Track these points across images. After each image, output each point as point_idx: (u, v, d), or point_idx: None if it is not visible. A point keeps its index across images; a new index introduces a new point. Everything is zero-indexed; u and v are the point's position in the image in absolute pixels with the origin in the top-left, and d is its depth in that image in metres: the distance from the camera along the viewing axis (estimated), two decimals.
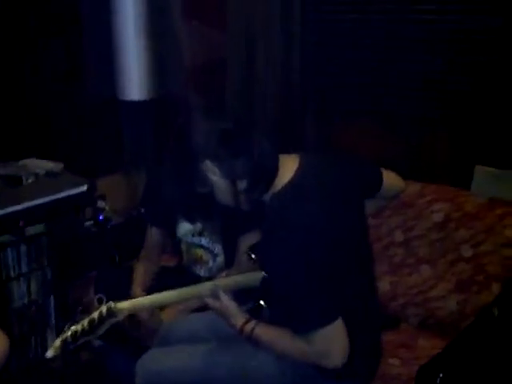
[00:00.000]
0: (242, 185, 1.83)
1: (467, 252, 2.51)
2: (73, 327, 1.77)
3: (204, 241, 2.65)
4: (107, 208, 3.33)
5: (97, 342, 2.87)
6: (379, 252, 2.61)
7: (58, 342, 1.75)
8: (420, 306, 2.57)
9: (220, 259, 2.64)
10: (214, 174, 1.82)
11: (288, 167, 1.85)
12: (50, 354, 1.76)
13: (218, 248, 2.64)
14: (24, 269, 2.88)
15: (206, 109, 1.92)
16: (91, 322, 1.79)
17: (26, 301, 2.92)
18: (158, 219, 2.73)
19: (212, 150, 1.80)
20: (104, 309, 1.82)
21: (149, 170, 3.22)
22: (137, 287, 2.61)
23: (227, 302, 1.92)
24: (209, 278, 2.61)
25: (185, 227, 2.69)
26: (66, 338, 1.76)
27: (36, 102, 3.15)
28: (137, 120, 3.39)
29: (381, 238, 2.65)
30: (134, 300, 1.89)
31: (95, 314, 1.81)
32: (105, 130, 3.41)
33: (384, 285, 2.61)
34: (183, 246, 2.74)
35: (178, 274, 2.76)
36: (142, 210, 2.95)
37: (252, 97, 3.10)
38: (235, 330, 1.90)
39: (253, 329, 1.88)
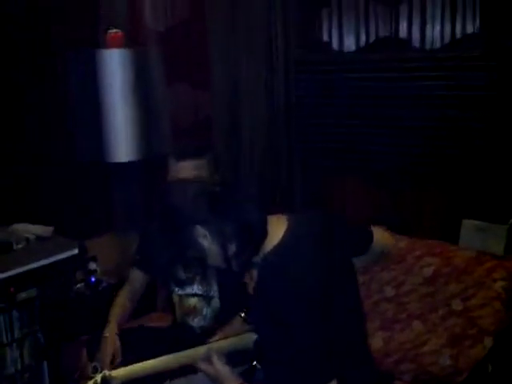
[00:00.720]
0: (232, 248, 1.85)
1: (458, 306, 2.52)
2: None
3: (196, 288, 2.65)
4: (98, 270, 3.35)
5: None
6: (370, 308, 2.61)
7: None
8: (413, 362, 2.56)
9: (215, 303, 2.64)
10: (205, 239, 1.84)
11: (277, 229, 1.87)
12: None
13: (213, 290, 2.64)
14: (16, 334, 2.87)
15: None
16: None
17: (19, 366, 2.90)
18: (147, 265, 2.76)
19: (201, 215, 1.82)
20: (99, 378, 1.82)
21: (141, 226, 3.22)
22: (113, 327, 2.61)
23: (220, 367, 1.92)
24: (203, 329, 2.65)
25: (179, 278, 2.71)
26: None
27: (24, 165, 3.17)
28: (125, 181, 3.42)
29: (371, 295, 2.66)
30: (127, 368, 1.89)
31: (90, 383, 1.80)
32: (94, 192, 3.44)
33: (377, 341, 2.60)
34: (175, 298, 2.74)
35: (171, 335, 2.76)
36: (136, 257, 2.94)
37: (238, 156, 3.14)
38: None
39: None
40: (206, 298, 2.65)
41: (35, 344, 2.95)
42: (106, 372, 1.83)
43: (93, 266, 3.35)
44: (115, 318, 2.69)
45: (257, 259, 1.87)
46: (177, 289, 2.69)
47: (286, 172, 3.13)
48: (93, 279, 3.29)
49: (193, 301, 2.66)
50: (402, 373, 2.58)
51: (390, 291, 2.67)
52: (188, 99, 3.41)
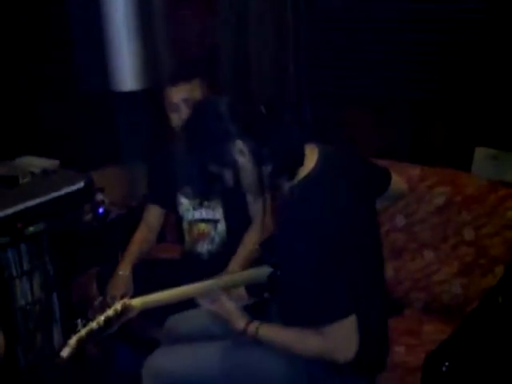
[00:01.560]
0: (267, 169, 1.82)
1: (470, 235, 2.51)
2: (88, 326, 1.76)
3: (205, 212, 2.68)
4: (106, 201, 3.33)
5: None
6: (382, 237, 2.59)
7: (73, 341, 1.74)
8: (424, 291, 2.57)
9: (221, 226, 2.69)
10: (243, 156, 1.80)
11: (309, 158, 1.84)
12: (65, 352, 1.74)
13: (218, 213, 2.68)
14: (26, 267, 2.87)
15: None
16: (106, 319, 1.79)
17: (29, 299, 2.92)
18: (159, 197, 2.80)
19: (244, 131, 1.78)
20: (119, 306, 1.83)
21: (149, 157, 3.19)
22: (128, 266, 2.65)
23: (227, 304, 1.92)
24: (211, 254, 2.71)
25: (185, 203, 2.74)
26: (82, 336, 1.75)
27: (27, 97, 3.11)
28: (130, 110, 3.35)
29: (382, 224, 2.61)
30: (146, 297, 1.90)
31: (110, 312, 1.81)
32: (99, 123, 3.38)
33: (387, 270, 2.58)
34: (185, 226, 2.77)
35: (181, 266, 2.78)
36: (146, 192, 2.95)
37: (246, 85, 3.06)
38: (237, 332, 1.90)
39: (257, 329, 1.87)
40: (213, 222, 2.67)
41: (45, 276, 2.95)
42: (126, 301, 1.84)
43: (100, 197, 3.32)
44: (131, 256, 2.72)
45: (288, 185, 1.84)
46: (185, 216, 2.72)
47: (294, 102, 3.05)
48: (100, 210, 3.27)
49: (202, 226, 2.70)
50: (413, 301, 2.59)
51: (401, 220, 2.66)
52: (194, 26, 3.31)
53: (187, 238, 2.79)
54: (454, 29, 2.67)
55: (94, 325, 1.77)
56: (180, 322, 2.23)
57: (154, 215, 2.87)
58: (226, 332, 1.99)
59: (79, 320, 1.78)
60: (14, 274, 2.84)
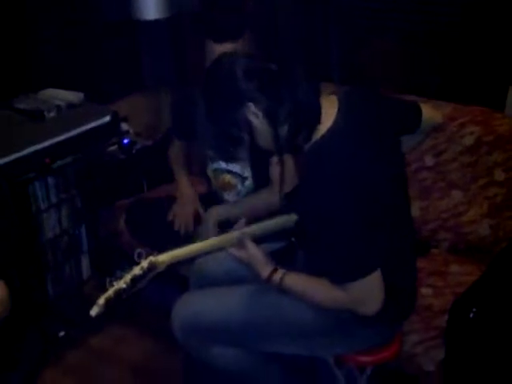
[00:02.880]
0: (284, 130, 1.77)
1: (500, 176, 2.48)
2: (115, 285, 1.78)
3: (231, 165, 2.62)
4: (131, 131, 3.30)
5: None
6: (409, 177, 2.55)
7: (102, 300, 1.76)
8: (451, 231, 2.56)
9: (249, 183, 2.62)
10: (256, 118, 1.76)
11: (328, 112, 1.78)
12: (94, 311, 1.77)
13: (246, 171, 2.61)
14: (53, 200, 2.89)
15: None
16: (133, 278, 1.79)
17: (57, 231, 2.95)
18: (185, 134, 2.72)
19: (255, 92, 1.72)
20: (145, 264, 1.82)
21: (174, 90, 3.14)
22: (186, 183, 2.75)
23: (253, 251, 1.90)
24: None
25: (211, 153, 2.66)
26: (110, 296, 1.77)
27: (49, 27, 3.05)
28: (153, 39, 3.29)
29: (410, 163, 2.60)
30: (172, 252, 1.88)
31: (137, 270, 1.80)
32: (122, 52, 3.32)
33: (414, 210, 2.55)
34: (210, 173, 2.72)
35: (209, 202, 2.78)
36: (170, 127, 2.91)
37: (274, 16, 2.98)
38: (262, 279, 1.90)
39: (281, 278, 1.87)
40: (240, 176, 2.62)
41: (72, 209, 2.97)
42: (152, 257, 1.83)
43: (125, 127, 3.27)
44: (182, 172, 2.79)
45: (308, 145, 1.79)
46: (211, 163, 2.66)
47: (321, 34, 2.97)
48: (125, 141, 3.23)
49: (227, 177, 2.64)
50: (439, 241, 2.59)
51: (429, 160, 2.62)
52: None
53: (213, 182, 2.73)
54: None
55: (121, 283, 1.77)
56: (209, 263, 2.23)
57: (178, 146, 2.84)
58: (255, 276, 1.99)
59: (107, 278, 1.79)
60: (42, 207, 2.86)
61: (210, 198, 2.75)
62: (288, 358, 2.07)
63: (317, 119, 1.76)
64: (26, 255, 2.77)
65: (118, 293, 1.78)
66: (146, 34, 3.30)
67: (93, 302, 2.89)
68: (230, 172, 2.64)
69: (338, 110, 1.79)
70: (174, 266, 2.42)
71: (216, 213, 2.51)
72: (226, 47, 2.26)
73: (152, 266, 1.83)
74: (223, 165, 2.64)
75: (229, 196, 2.69)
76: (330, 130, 1.76)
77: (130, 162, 3.22)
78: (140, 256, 1.85)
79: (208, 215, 2.54)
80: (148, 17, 3.11)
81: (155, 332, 2.84)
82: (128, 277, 1.80)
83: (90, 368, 2.73)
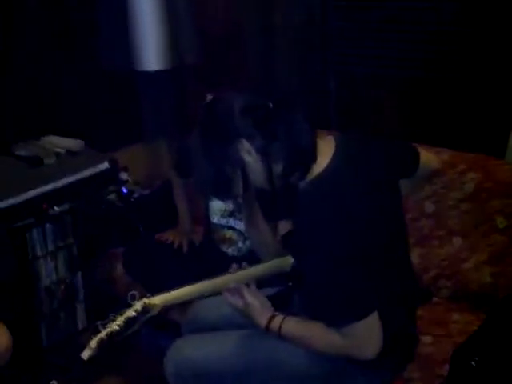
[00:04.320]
0: (278, 168, 1.75)
1: (501, 223, 2.45)
2: (108, 327, 1.74)
3: (233, 222, 2.61)
4: (130, 180, 3.30)
5: None
6: (408, 224, 2.53)
7: (94, 343, 1.73)
8: (451, 279, 2.52)
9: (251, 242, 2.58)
10: (249, 155, 1.74)
11: (324, 151, 1.77)
12: (86, 354, 1.74)
13: None
14: (50, 247, 2.87)
15: (234, 81, 1.81)
16: (126, 320, 1.77)
17: (54, 278, 2.92)
18: (184, 172, 2.76)
19: (249, 129, 1.71)
20: (139, 306, 1.79)
21: (175, 137, 3.16)
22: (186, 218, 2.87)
23: (250, 299, 1.87)
24: (236, 257, 2.61)
25: (216, 204, 2.67)
26: (102, 338, 1.74)
27: (49, 76, 3.08)
28: (154, 90, 3.31)
29: (409, 210, 2.57)
30: (165, 295, 1.86)
31: (130, 312, 1.78)
32: (122, 103, 3.34)
33: (414, 257, 2.52)
34: (212, 225, 2.70)
35: (204, 251, 2.76)
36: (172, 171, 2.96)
37: (272, 65, 3.00)
38: (260, 327, 1.86)
39: (279, 326, 1.84)
40: (242, 235, 2.59)
41: (69, 256, 2.95)
42: (146, 300, 1.81)
43: (124, 176, 3.28)
44: (183, 207, 2.90)
45: (302, 184, 1.78)
46: (212, 217, 2.66)
47: (319, 81, 2.99)
48: (124, 190, 3.23)
49: (228, 233, 2.64)
50: (440, 289, 2.55)
51: (429, 207, 2.60)
52: (218, 4, 3.25)
53: (213, 234, 2.72)
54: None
55: (114, 326, 1.75)
56: (204, 308, 2.20)
57: (180, 184, 2.90)
58: (252, 323, 1.95)
59: (99, 322, 1.77)
60: (39, 253, 2.84)
61: (205, 248, 2.73)
62: None
63: (312, 158, 1.75)
64: (22, 302, 2.74)
65: (111, 335, 1.75)
66: (146, 85, 3.33)
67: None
68: (231, 228, 2.63)
69: (335, 150, 1.78)
70: (168, 310, 2.42)
71: None
72: None
73: (145, 309, 1.80)
74: (224, 221, 2.63)
75: (228, 250, 2.67)
76: (326, 170, 1.75)
77: (128, 210, 3.21)
78: (133, 298, 1.82)
79: None
80: (149, 68, 3.14)
81: (149, 380, 2.77)
82: (121, 319, 1.77)
83: None
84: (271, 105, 1.72)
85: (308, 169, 1.75)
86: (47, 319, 2.94)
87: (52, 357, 2.92)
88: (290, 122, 1.73)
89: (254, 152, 1.73)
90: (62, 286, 2.96)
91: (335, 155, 1.77)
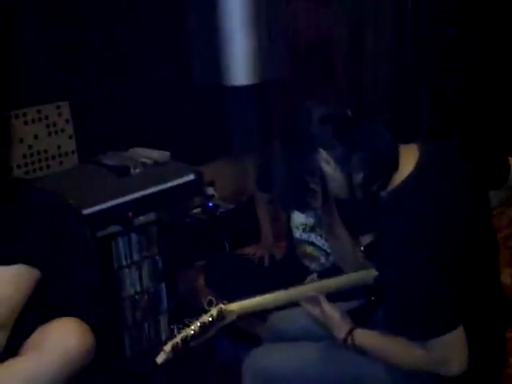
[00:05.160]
0: (358, 178, 1.71)
1: None
2: (183, 332, 1.74)
3: (314, 238, 2.58)
4: (216, 195, 3.33)
5: None
6: (500, 243, 2.43)
7: (168, 347, 1.73)
8: None
9: (333, 258, 2.52)
10: (328, 165, 1.70)
11: (407, 160, 1.71)
12: (160, 359, 1.75)
13: None
14: (135, 257, 2.91)
15: (320, 93, 1.80)
16: (202, 325, 1.76)
17: (138, 288, 2.96)
18: (266, 186, 2.70)
19: (327, 138, 1.67)
20: (215, 312, 1.78)
21: (259, 151, 3.17)
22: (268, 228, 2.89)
23: (329, 310, 1.82)
24: (319, 271, 2.56)
25: (298, 219, 2.64)
26: (177, 342, 1.73)
27: (142, 89, 3.14)
28: (241, 105, 3.33)
29: (501, 229, 2.48)
30: (242, 302, 1.84)
31: (206, 318, 1.77)
32: (210, 117, 3.38)
33: (504, 277, 2.43)
34: (294, 240, 2.68)
35: (286, 265, 2.73)
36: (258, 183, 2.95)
37: (361, 80, 2.96)
38: (338, 340, 1.81)
39: (358, 339, 1.78)
40: (324, 251, 2.56)
41: (153, 267, 2.98)
42: (222, 306, 1.79)
43: (210, 191, 3.35)
44: (264, 220, 2.91)
45: (384, 193, 1.73)
46: (294, 232, 2.64)
47: (412, 97, 2.92)
48: (210, 204, 3.28)
49: (310, 248, 2.61)
50: None
51: None
52: (308, 19, 3.24)
53: (296, 250, 2.69)
54: None
55: (189, 331, 1.74)
56: (282, 319, 2.16)
57: (263, 199, 2.89)
58: (330, 335, 1.90)
59: (175, 326, 1.76)
60: (124, 263, 2.89)
61: (287, 263, 2.70)
62: None
63: (394, 167, 1.70)
64: (106, 311, 2.78)
65: (186, 340, 1.74)
66: (234, 100, 3.35)
67: (170, 365, 2.88)
68: (312, 244, 2.60)
69: (418, 159, 1.72)
70: (246, 318, 2.39)
71: None
72: None
73: (221, 315, 1.79)
74: (305, 236, 2.61)
75: (311, 265, 2.63)
76: (408, 179, 1.69)
77: (213, 224, 3.23)
78: (210, 304, 1.81)
79: None
80: (237, 83, 3.16)
81: None
82: (196, 324, 1.76)
83: None
84: (350, 113, 1.69)
85: (389, 178, 1.70)
86: (131, 329, 2.98)
87: (134, 366, 2.94)
88: (371, 131, 1.69)
89: (332, 161, 1.70)
90: (146, 296, 2.99)
91: (418, 164, 1.71)
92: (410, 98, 2.94)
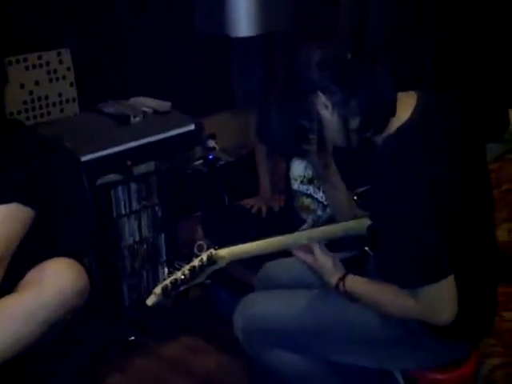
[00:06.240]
0: (355, 123, 1.70)
1: None
2: (173, 275, 1.75)
3: (312, 190, 2.57)
4: (217, 147, 3.33)
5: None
6: (498, 198, 2.42)
7: (158, 290, 1.74)
8: None
9: (331, 211, 2.53)
10: (326, 109, 1.70)
11: (405, 107, 1.70)
12: (150, 301, 1.75)
13: None
14: (135, 207, 2.92)
15: (320, 38, 1.78)
16: (191, 269, 1.76)
17: (137, 238, 2.98)
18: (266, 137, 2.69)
19: (326, 82, 1.66)
20: (205, 256, 1.78)
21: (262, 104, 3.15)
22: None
23: (321, 257, 1.82)
24: (316, 224, 2.56)
25: (297, 170, 2.63)
26: (167, 285, 1.74)
27: (145, 39, 3.12)
28: (245, 56, 3.31)
29: (501, 184, 2.47)
30: (233, 248, 1.83)
31: (196, 262, 1.77)
32: (212, 68, 3.36)
33: (502, 233, 2.44)
34: (292, 192, 2.69)
35: (283, 217, 2.73)
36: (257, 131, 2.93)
37: (365, 25, 2.91)
38: (330, 286, 1.82)
39: (350, 286, 1.79)
40: (322, 204, 2.55)
41: (153, 217, 2.99)
42: (212, 251, 1.79)
43: (211, 143, 3.34)
44: (264, 174, 2.92)
45: (378, 139, 1.73)
46: (293, 183, 2.63)
47: (415, 46, 2.88)
48: (211, 156, 3.27)
49: (307, 201, 2.60)
50: None
51: None
52: None
53: (294, 202, 2.69)
54: None
55: (178, 274, 1.75)
56: (275, 269, 2.18)
57: (262, 152, 2.90)
58: (322, 282, 1.91)
59: (165, 269, 1.77)
60: (123, 212, 2.90)
61: (284, 215, 2.71)
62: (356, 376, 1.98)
63: (391, 112, 1.69)
64: (105, 259, 2.80)
65: (175, 283, 1.75)
66: (237, 51, 3.33)
67: (167, 313, 2.91)
68: (310, 196, 2.60)
69: (416, 105, 1.71)
70: (241, 269, 2.40)
71: None
72: None
73: (211, 260, 1.78)
74: (303, 188, 2.60)
75: (307, 217, 2.62)
76: (405, 125, 1.68)
77: (213, 176, 3.23)
78: (200, 249, 1.81)
79: None
80: (241, 34, 3.13)
81: (225, 344, 2.79)
82: (186, 267, 1.77)
83: (158, 375, 2.70)
84: (349, 56, 1.67)
85: (386, 124, 1.70)
86: (129, 278, 3.00)
87: (132, 314, 2.97)
88: (369, 75, 1.67)
89: (330, 105, 1.69)
90: (145, 246, 3.01)
91: (415, 111, 1.70)
92: (414, 47, 2.89)
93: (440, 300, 1.66)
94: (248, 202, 2.87)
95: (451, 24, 2.91)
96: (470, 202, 1.75)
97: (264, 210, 2.81)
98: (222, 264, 1.81)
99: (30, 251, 1.81)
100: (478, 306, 1.80)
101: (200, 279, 1.79)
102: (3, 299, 1.74)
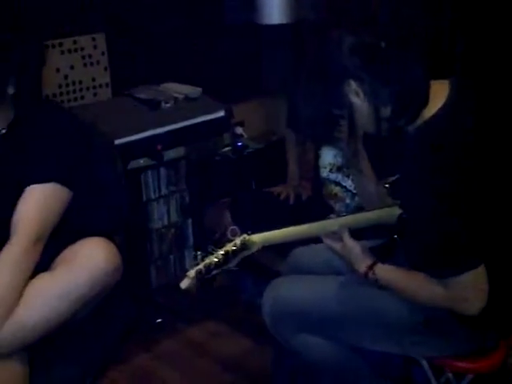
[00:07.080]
0: (386, 111, 1.69)
1: None
2: (206, 259, 1.77)
3: (341, 178, 2.59)
4: (245, 135, 3.35)
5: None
6: None
7: (192, 273, 1.76)
8: None
9: (359, 200, 2.53)
10: (357, 96, 1.69)
11: (437, 96, 1.69)
12: (184, 284, 1.77)
13: None
14: (164, 191, 2.96)
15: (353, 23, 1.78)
16: (225, 254, 1.78)
17: (165, 222, 3.02)
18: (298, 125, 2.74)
19: (358, 69, 1.66)
20: (238, 241, 1.80)
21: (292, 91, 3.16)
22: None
23: (351, 244, 1.83)
24: (344, 212, 2.58)
25: (326, 158, 2.65)
26: (201, 269, 1.76)
27: (177, 26, 3.15)
28: (276, 44, 3.32)
29: None
30: (266, 233, 1.84)
31: (229, 247, 1.79)
32: (243, 56, 3.37)
33: None
34: (321, 180, 2.70)
35: (311, 205, 2.76)
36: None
37: (398, 12, 2.90)
38: (359, 274, 1.83)
39: (378, 273, 1.80)
40: (350, 192, 2.57)
41: (181, 202, 3.04)
42: (246, 236, 1.81)
43: (239, 130, 3.36)
44: (292, 161, 2.96)
45: (411, 128, 1.73)
46: (322, 171, 2.64)
47: (449, 33, 2.87)
48: (239, 144, 3.30)
49: (336, 189, 2.62)
50: None
51: None
52: None
53: (322, 189, 2.71)
54: None
55: (212, 258, 1.76)
56: (304, 255, 2.18)
57: (291, 139, 2.93)
58: (350, 269, 1.91)
59: (199, 252, 1.79)
60: (153, 196, 2.94)
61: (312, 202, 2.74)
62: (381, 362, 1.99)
63: (423, 102, 1.68)
64: (134, 242, 2.84)
65: (209, 267, 1.77)
66: (267, 39, 3.34)
67: (193, 298, 2.92)
68: (339, 185, 2.61)
69: (448, 95, 1.71)
70: (269, 256, 2.41)
71: None
72: None
73: (244, 245, 1.80)
74: (333, 176, 2.62)
75: (335, 205, 2.65)
76: (437, 115, 1.67)
77: (241, 162, 3.26)
78: (234, 233, 1.83)
79: None
80: (271, 21, 3.15)
81: (250, 329, 2.82)
82: (220, 252, 1.79)
83: (182, 357, 2.74)
84: (383, 44, 1.66)
85: (418, 113, 1.69)
86: (157, 262, 3.05)
87: (160, 297, 3.02)
88: (403, 64, 1.67)
89: (361, 93, 1.69)
90: (173, 230, 3.05)
91: (448, 100, 1.69)
92: (447, 35, 2.88)
93: (470, 290, 1.66)
94: (276, 189, 2.89)
95: (484, 13, 2.89)
96: (502, 192, 1.75)
97: (292, 196, 2.83)
98: (254, 249, 1.82)
99: (66, 230, 1.83)
100: (506, 297, 1.79)
101: (232, 264, 1.81)
102: (38, 277, 1.77)
